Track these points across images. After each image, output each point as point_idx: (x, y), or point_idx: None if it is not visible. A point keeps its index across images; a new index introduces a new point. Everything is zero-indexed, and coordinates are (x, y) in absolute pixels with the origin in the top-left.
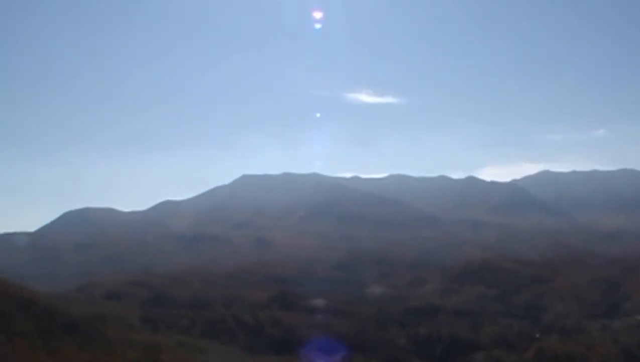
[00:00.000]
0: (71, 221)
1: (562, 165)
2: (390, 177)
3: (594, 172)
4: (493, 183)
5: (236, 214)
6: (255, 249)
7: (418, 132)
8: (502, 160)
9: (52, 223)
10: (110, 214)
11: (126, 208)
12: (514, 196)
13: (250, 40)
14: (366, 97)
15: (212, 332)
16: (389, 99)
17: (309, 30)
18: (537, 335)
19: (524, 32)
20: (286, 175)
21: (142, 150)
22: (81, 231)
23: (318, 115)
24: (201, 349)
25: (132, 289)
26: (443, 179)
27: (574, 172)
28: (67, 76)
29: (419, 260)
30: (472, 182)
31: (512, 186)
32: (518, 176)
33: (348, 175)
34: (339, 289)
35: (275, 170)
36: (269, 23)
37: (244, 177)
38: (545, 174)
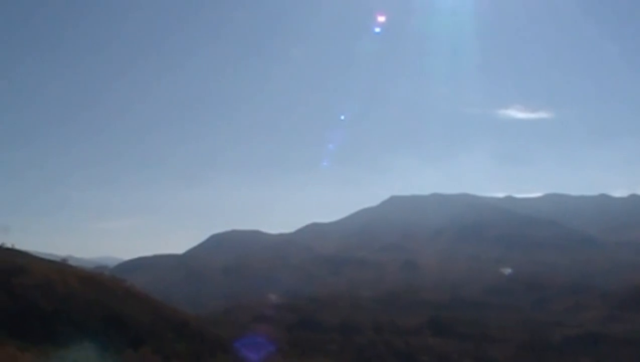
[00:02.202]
0: (218, 243)
1: None
2: (546, 196)
3: None
4: None
5: (384, 237)
6: (403, 273)
7: (575, 148)
8: None
9: (200, 245)
10: (256, 236)
11: (272, 230)
12: None
13: (399, 61)
14: (517, 113)
15: (362, 357)
16: (541, 114)
17: (449, 45)
18: None
19: None
20: (435, 195)
21: (289, 173)
22: (228, 253)
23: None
24: None
25: (279, 313)
26: (603, 197)
27: None
28: (216, 101)
29: (577, 285)
30: (636, 200)
31: None
32: None
33: (500, 195)
34: (491, 314)
35: (424, 190)
36: (415, 44)
37: (393, 198)
38: None
